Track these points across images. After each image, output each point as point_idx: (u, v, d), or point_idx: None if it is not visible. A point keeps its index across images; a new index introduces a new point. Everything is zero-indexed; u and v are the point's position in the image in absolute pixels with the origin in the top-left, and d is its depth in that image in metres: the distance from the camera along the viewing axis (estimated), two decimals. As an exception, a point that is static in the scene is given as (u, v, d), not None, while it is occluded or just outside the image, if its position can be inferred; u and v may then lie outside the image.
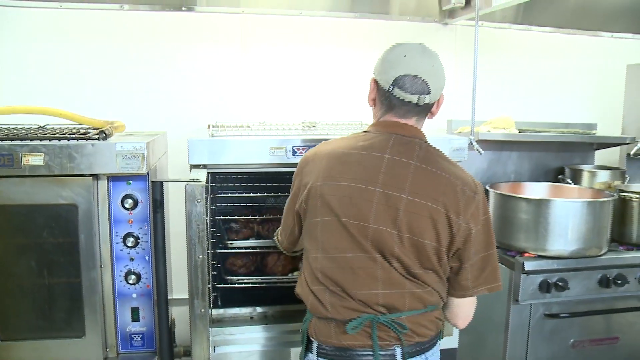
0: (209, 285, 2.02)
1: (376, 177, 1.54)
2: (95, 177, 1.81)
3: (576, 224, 2.46)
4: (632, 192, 2.76)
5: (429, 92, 1.57)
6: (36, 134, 1.86)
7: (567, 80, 3.55)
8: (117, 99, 2.85)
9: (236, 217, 2.36)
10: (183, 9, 2.87)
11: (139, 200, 1.88)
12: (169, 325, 1.95)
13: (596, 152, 3.44)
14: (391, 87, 1.56)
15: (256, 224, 2.32)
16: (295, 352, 2.11)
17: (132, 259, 1.91)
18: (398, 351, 1.57)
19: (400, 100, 1.57)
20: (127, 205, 1.87)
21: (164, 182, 1.82)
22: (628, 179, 3.17)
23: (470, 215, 1.56)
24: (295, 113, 3.03)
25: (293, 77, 3.08)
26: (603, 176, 3.12)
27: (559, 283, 2.48)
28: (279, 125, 2.45)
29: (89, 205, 1.80)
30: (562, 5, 3.43)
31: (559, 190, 2.92)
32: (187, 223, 1.67)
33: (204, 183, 1.69)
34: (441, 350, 2.21)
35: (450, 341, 2.20)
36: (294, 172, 1.73)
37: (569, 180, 3.17)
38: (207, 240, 1.74)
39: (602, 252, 2.56)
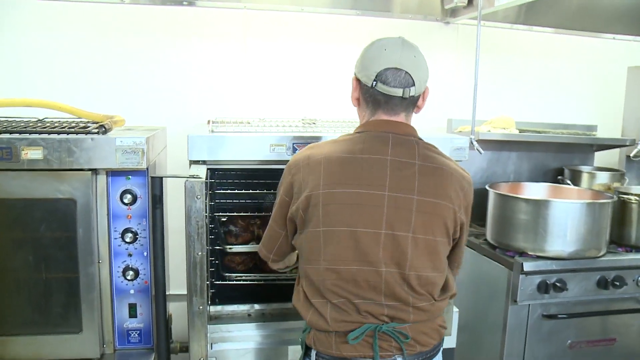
0: (208, 282, 2.01)
1: (382, 180, 1.50)
2: (94, 171, 1.79)
3: (575, 225, 2.46)
4: (632, 194, 2.76)
5: (413, 84, 1.54)
6: (35, 127, 1.84)
7: (568, 81, 3.54)
8: (116, 93, 2.84)
9: (235, 216, 2.34)
10: (184, 3, 2.85)
11: (138, 196, 1.87)
12: (166, 322, 1.94)
13: (596, 153, 3.44)
14: (374, 82, 1.53)
15: (256, 227, 2.28)
16: (293, 349, 2.10)
17: (130, 255, 1.90)
18: None
19: (385, 95, 1.54)
20: (126, 201, 1.85)
21: (163, 178, 1.80)
22: (627, 180, 3.17)
23: (465, 207, 1.61)
24: (295, 110, 3.01)
25: (294, 74, 3.07)
26: (602, 177, 3.12)
27: (558, 284, 2.48)
28: (279, 122, 2.44)
29: (87, 200, 1.78)
30: (564, 6, 3.42)
31: (558, 191, 2.92)
32: (187, 219, 1.66)
33: (204, 179, 1.68)
34: (439, 350, 2.24)
35: (448, 341, 2.18)
36: None
37: (568, 181, 3.17)
38: (206, 237, 1.72)
39: (601, 253, 2.56)
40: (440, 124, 3.28)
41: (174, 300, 2.62)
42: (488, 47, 3.25)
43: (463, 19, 3.21)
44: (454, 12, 3.22)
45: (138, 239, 1.89)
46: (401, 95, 1.53)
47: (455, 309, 2.16)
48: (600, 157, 3.47)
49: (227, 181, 2.51)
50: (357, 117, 1.71)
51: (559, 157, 3.36)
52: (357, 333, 1.51)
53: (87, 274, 1.81)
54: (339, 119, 2.66)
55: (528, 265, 2.44)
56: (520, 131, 3.09)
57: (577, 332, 2.63)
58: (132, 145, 1.74)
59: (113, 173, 1.83)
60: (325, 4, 3.06)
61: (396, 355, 1.54)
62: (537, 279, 2.47)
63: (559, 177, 3.27)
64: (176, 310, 2.58)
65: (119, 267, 1.89)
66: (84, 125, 1.93)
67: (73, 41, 2.78)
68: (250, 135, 1.97)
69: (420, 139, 1.62)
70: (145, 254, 1.91)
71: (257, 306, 2.22)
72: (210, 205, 2.28)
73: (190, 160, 1.93)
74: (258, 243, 2.16)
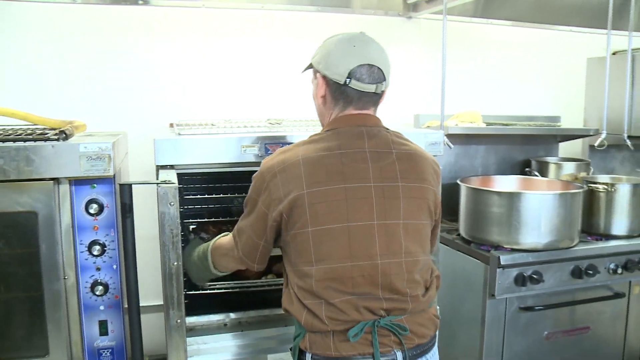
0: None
1: (366, 172, 1.49)
2: (56, 181, 1.68)
3: (549, 216, 2.46)
4: (599, 183, 2.79)
5: (384, 79, 1.55)
6: (-13, 136, 1.71)
7: (530, 74, 3.58)
8: (71, 98, 2.69)
9: (206, 222, 2.25)
10: (139, 2, 2.73)
11: (105, 205, 1.76)
12: (141, 338, 1.83)
13: (560, 144, 3.48)
14: (347, 80, 1.51)
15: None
16: (273, 358, 2.03)
17: (98, 269, 1.78)
18: (399, 355, 1.50)
19: (359, 92, 1.53)
20: (91, 211, 1.74)
21: (132, 185, 1.69)
22: (592, 170, 3.21)
23: (439, 187, 1.66)
24: (258, 109, 2.94)
25: (255, 73, 2.99)
26: (569, 168, 3.15)
27: (534, 276, 2.47)
28: (245, 123, 2.36)
29: (49, 212, 1.67)
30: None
31: (528, 183, 2.93)
32: (160, 227, 1.57)
33: (177, 184, 1.59)
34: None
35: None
36: None
37: (536, 173, 3.19)
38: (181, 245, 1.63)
39: (574, 243, 2.58)
40: (406, 119, 3.26)
41: (143, 312, 2.50)
42: (450, 41, 3.22)
43: (425, 14, 3.19)
44: (415, 7, 3.21)
45: (106, 251, 1.78)
46: (374, 91, 1.53)
47: (437, 307, 2.12)
48: (564, 148, 3.51)
49: (194, 186, 2.40)
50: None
51: (525, 149, 3.38)
52: (357, 329, 1.46)
53: (52, 291, 1.69)
54: (304, 118, 2.60)
55: (505, 259, 2.43)
56: (487, 124, 3.08)
57: (553, 323, 2.64)
58: (98, 151, 1.64)
59: (77, 182, 1.72)
60: (285, 1, 2.99)
61: (395, 350, 1.50)
62: (514, 271, 2.46)
63: (527, 169, 3.28)
64: (145, 322, 2.46)
65: (86, 282, 1.78)
66: (41, 131, 1.80)
67: (22, 43, 2.62)
68: (220, 137, 1.89)
69: (388, 128, 1.63)
70: (114, 266, 1.80)
71: (233, 315, 2.13)
72: (180, 212, 2.18)
73: (157, 166, 1.83)
74: None
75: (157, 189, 1.53)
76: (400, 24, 3.25)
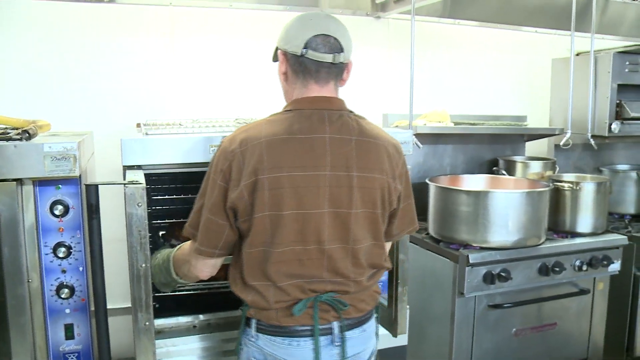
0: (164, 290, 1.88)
1: (323, 160, 1.50)
2: (19, 181, 1.62)
3: (516, 215, 2.50)
4: (565, 182, 2.84)
5: (342, 50, 1.54)
6: (-55, 137, 1.65)
7: (497, 74, 3.63)
8: (34, 97, 2.63)
9: (175, 223, 2.22)
10: (105, 0, 2.68)
11: (70, 206, 1.71)
12: (109, 341, 1.79)
13: (526, 143, 3.53)
14: (304, 50, 1.51)
15: None
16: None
17: (64, 271, 1.74)
18: (336, 325, 1.58)
19: (316, 62, 1.53)
20: (56, 212, 1.69)
21: (99, 186, 1.66)
22: (558, 168, 3.27)
23: (398, 174, 1.64)
24: (226, 109, 2.91)
25: (223, 72, 2.96)
26: (535, 167, 3.20)
27: (502, 274, 2.50)
28: (212, 122, 2.33)
29: (12, 214, 1.61)
30: (486, 0, 3.49)
31: (496, 182, 2.97)
32: (128, 229, 1.53)
33: (145, 185, 1.56)
34: (392, 349, 2.21)
35: (400, 339, 2.16)
36: None
37: (504, 172, 3.23)
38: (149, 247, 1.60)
39: (541, 241, 2.62)
40: (374, 118, 3.25)
41: (111, 315, 2.45)
42: (418, 41, 3.24)
43: (393, 14, 3.21)
44: (384, 7, 3.22)
45: (72, 253, 1.74)
46: (331, 61, 1.53)
47: (407, 306, 2.12)
48: (530, 147, 3.56)
49: (162, 186, 2.37)
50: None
51: (492, 148, 3.42)
52: (301, 306, 1.53)
53: (15, 295, 1.64)
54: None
55: (473, 257, 2.45)
56: (455, 124, 3.11)
57: (521, 320, 2.68)
58: (63, 151, 1.59)
59: (41, 182, 1.67)
60: (253, 0, 2.97)
61: (333, 321, 1.58)
62: (483, 270, 2.49)
63: (494, 167, 3.33)
64: (113, 325, 2.41)
65: (52, 285, 1.73)
66: (2, 131, 1.75)
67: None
68: (188, 136, 1.86)
69: (352, 111, 1.62)
70: (80, 269, 1.75)
71: (202, 317, 2.10)
72: (148, 212, 2.14)
73: (124, 166, 1.79)
74: None
75: (125, 190, 1.50)
76: (368, 24, 3.26)
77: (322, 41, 1.51)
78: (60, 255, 1.72)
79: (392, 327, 2.09)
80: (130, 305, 1.61)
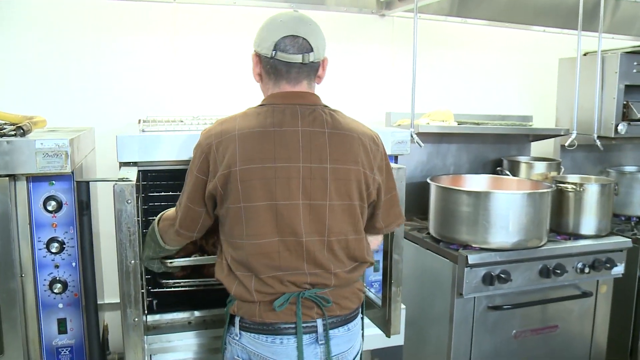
0: (143, 291, 1.89)
1: (296, 152, 1.53)
2: (13, 177, 1.64)
3: (517, 216, 2.48)
4: (568, 183, 2.81)
5: (311, 50, 1.56)
6: (-59, 132, 1.67)
7: (503, 73, 3.59)
8: (38, 92, 2.65)
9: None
10: (109, -3, 2.70)
11: (64, 202, 1.73)
12: (99, 336, 1.81)
13: (532, 143, 3.50)
14: (273, 52, 1.55)
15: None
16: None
17: (57, 266, 1.75)
18: (319, 322, 1.59)
19: (286, 63, 1.56)
20: (50, 208, 1.70)
21: (90, 182, 1.67)
22: (563, 169, 3.24)
23: (377, 167, 1.65)
24: (229, 106, 2.90)
25: (227, 70, 2.96)
26: (540, 167, 3.17)
27: (502, 275, 2.48)
28: (214, 120, 2.33)
29: (5, 209, 1.62)
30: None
31: (498, 182, 2.95)
32: (117, 225, 1.53)
33: (134, 182, 1.56)
34: (388, 348, 2.20)
35: (395, 339, 2.15)
36: None
37: (507, 172, 3.20)
38: (139, 244, 1.61)
39: (542, 242, 2.59)
40: (378, 117, 3.25)
41: (110, 310, 2.49)
42: (424, 39, 3.23)
43: (398, 12, 3.19)
44: (388, 5, 3.19)
45: (65, 248, 1.75)
46: (301, 61, 1.55)
47: (403, 306, 2.11)
48: (536, 147, 3.53)
49: (161, 183, 2.38)
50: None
51: (497, 148, 3.39)
52: (282, 300, 1.55)
53: (7, 289, 1.65)
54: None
55: (473, 258, 2.43)
56: (459, 123, 3.09)
57: (521, 322, 2.66)
58: (54, 147, 1.60)
59: (34, 179, 1.69)
60: (258, -3, 2.97)
61: (317, 319, 1.59)
62: (482, 271, 2.47)
63: (498, 168, 3.30)
64: (114, 320, 2.45)
65: (45, 280, 1.75)
66: (-1, 127, 1.77)
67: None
68: (183, 133, 1.87)
69: (326, 106, 1.64)
70: (74, 264, 1.77)
71: (197, 313, 2.10)
72: (144, 209, 2.16)
73: (120, 162, 1.81)
74: (202, 254, 2.04)
75: (114, 187, 1.51)
76: (373, 22, 3.24)
77: (291, 42, 1.54)
78: (54, 250, 1.73)
79: (385, 327, 2.08)
80: (121, 300, 1.62)
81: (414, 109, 2.74)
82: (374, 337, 2.11)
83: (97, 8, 2.69)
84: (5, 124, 1.86)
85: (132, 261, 1.56)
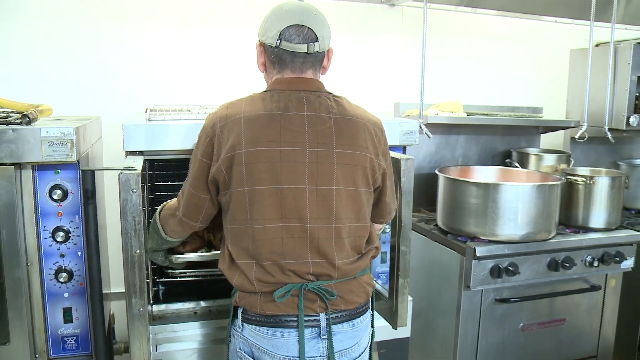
0: (148, 280, 1.88)
1: (302, 136, 1.51)
2: (18, 166, 1.63)
3: (526, 208, 2.45)
4: (578, 175, 2.78)
5: (316, 40, 1.55)
6: (-53, 119, 1.67)
7: (513, 64, 3.55)
8: (44, 81, 2.64)
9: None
10: (116, -14, 2.68)
11: (69, 191, 1.72)
12: (104, 325, 1.80)
13: (541, 135, 3.46)
14: (278, 41, 1.53)
15: (206, 231, 2.06)
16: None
17: (62, 255, 1.75)
18: (322, 317, 1.55)
19: (291, 52, 1.55)
20: (55, 197, 1.70)
21: (95, 171, 1.66)
22: (573, 162, 3.20)
23: (382, 152, 1.64)
24: (236, 96, 2.88)
25: (234, 59, 2.94)
26: (549, 159, 3.14)
27: (510, 268, 2.46)
28: (221, 109, 2.32)
29: (11, 198, 1.62)
30: (506, -11, 3.42)
31: (507, 174, 2.92)
32: (122, 215, 1.52)
33: (140, 171, 1.55)
34: (394, 340, 2.19)
35: (402, 331, 2.14)
36: None
37: (517, 164, 3.18)
38: (144, 233, 1.60)
39: (551, 235, 2.57)
40: (387, 107, 3.22)
41: (116, 299, 2.48)
42: (433, 29, 3.19)
43: (408, 1, 3.15)
44: (398, -6, 3.16)
45: (71, 237, 1.74)
46: (306, 51, 1.54)
47: (410, 298, 2.10)
48: (546, 139, 3.50)
49: (167, 172, 2.37)
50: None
51: (506, 140, 3.36)
52: (283, 291, 1.52)
53: (13, 278, 1.65)
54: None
55: (480, 250, 2.41)
56: (468, 114, 3.06)
57: (529, 315, 2.64)
58: (60, 136, 1.59)
59: (40, 167, 1.68)
60: (266, -14, 2.94)
61: (320, 312, 1.55)
62: (490, 263, 2.45)
63: (507, 159, 3.27)
64: (120, 309, 2.44)
65: (50, 269, 1.74)
66: (4, 115, 1.76)
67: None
68: (190, 122, 1.85)
69: (330, 92, 1.63)
70: (79, 253, 1.76)
71: (203, 303, 2.10)
72: (150, 198, 2.15)
73: (126, 151, 1.80)
74: (210, 250, 2.03)
75: (119, 176, 1.50)
76: (382, 12, 3.21)
77: (296, 31, 1.53)
78: (59, 239, 1.73)
79: (392, 319, 2.07)
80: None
81: (423, 100, 2.72)
82: (380, 328, 2.10)
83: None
84: (11, 112, 1.85)
85: (137, 251, 1.54)
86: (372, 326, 1.76)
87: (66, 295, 1.77)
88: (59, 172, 1.70)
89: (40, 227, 1.72)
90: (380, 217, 1.74)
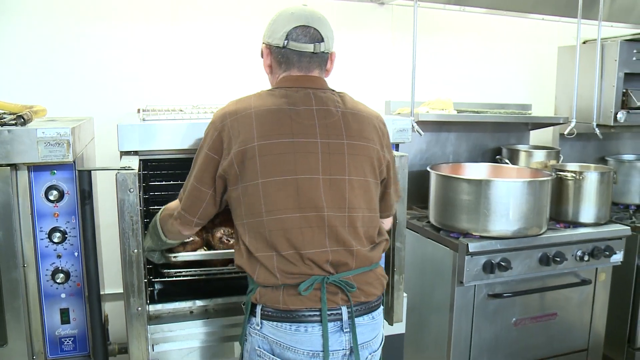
0: (145, 280, 1.88)
1: (312, 128, 1.55)
2: (14, 166, 1.63)
3: (517, 204, 2.48)
4: (568, 171, 2.82)
5: (322, 40, 1.60)
6: (-59, 121, 1.66)
7: (502, 61, 3.58)
8: (36, 81, 2.62)
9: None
10: (107, -15, 2.67)
11: (65, 192, 1.72)
12: (102, 325, 1.80)
13: (531, 132, 3.50)
14: (285, 42, 1.58)
15: (204, 231, 2.04)
16: (239, 346, 2.01)
17: (59, 256, 1.75)
18: (344, 310, 1.56)
19: (298, 52, 1.59)
20: (51, 198, 1.70)
21: (92, 171, 1.66)
22: (562, 158, 3.24)
23: (386, 145, 1.70)
24: (229, 94, 2.88)
25: (227, 58, 2.94)
26: (539, 156, 3.17)
27: (502, 263, 2.49)
28: (213, 108, 2.32)
29: (7, 199, 1.62)
30: (493, -13, 3.45)
31: (498, 171, 2.95)
32: (120, 214, 1.53)
33: (137, 171, 1.56)
34: (389, 336, 2.20)
35: (397, 327, 2.16)
36: None
37: (507, 160, 3.21)
38: (141, 233, 1.60)
39: (542, 230, 2.60)
40: (378, 106, 3.24)
41: (109, 300, 2.48)
42: (423, 28, 3.21)
43: (397, 0, 3.17)
44: (388, -7, 3.18)
45: (67, 238, 1.75)
46: (312, 50, 1.59)
47: (404, 294, 2.12)
48: (535, 136, 3.53)
49: (161, 172, 2.37)
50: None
51: (496, 137, 3.40)
52: (307, 284, 1.51)
53: (10, 279, 1.65)
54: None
55: (473, 246, 2.44)
56: (459, 112, 3.09)
57: (521, 310, 2.67)
58: (56, 136, 1.60)
59: (35, 168, 1.68)
60: (256, -16, 2.94)
61: (341, 306, 1.56)
62: (482, 259, 2.47)
63: (497, 156, 3.30)
64: (113, 310, 2.44)
65: (47, 269, 1.74)
66: (-2, 116, 1.76)
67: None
68: (184, 122, 1.86)
69: (334, 90, 1.68)
70: (76, 254, 1.77)
71: (199, 302, 2.10)
72: (145, 198, 2.15)
73: (121, 152, 1.80)
74: (209, 249, 2.04)
75: (116, 175, 1.50)
76: (372, 10, 3.22)
77: (302, 32, 1.58)
78: (56, 240, 1.73)
79: (388, 315, 2.09)
80: (125, 290, 1.62)
81: (414, 98, 2.74)
82: (375, 325, 2.12)
83: (95, -4, 2.67)
84: (5, 113, 1.84)
85: (135, 250, 1.56)
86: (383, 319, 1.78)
87: (63, 296, 1.77)
88: (55, 173, 1.71)
89: (37, 228, 1.72)
90: (386, 211, 1.78)
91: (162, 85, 2.84)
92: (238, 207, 1.57)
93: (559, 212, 2.84)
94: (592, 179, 2.78)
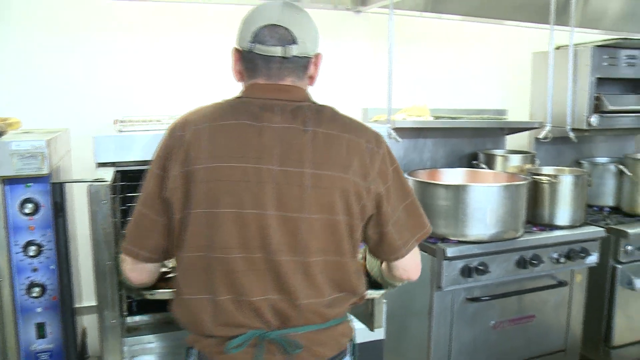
0: (122, 292, 1.87)
1: (270, 151, 1.29)
2: (-12, 180, 1.62)
3: (494, 208, 2.51)
4: (543, 175, 2.86)
5: (294, 42, 1.32)
6: None
7: (478, 68, 3.63)
8: (10, 92, 2.61)
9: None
10: (81, -5, 2.66)
11: (41, 204, 1.71)
12: (76, 339, 1.79)
13: (507, 137, 3.54)
14: (251, 44, 1.32)
15: None
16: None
17: (35, 270, 1.74)
18: None
19: (265, 57, 1.33)
20: (26, 211, 1.69)
21: (65, 184, 1.66)
22: (538, 162, 3.28)
23: (377, 173, 1.36)
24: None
25: (203, 69, 2.94)
26: (515, 160, 3.21)
27: (480, 267, 2.52)
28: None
29: (-20, 212, 1.61)
30: (469, -5, 3.50)
31: (475, 175, 2.98)
32: (93, 226, 1.53)
33: (110, 182, 1.55)
34: (368, 343, 2.21)
35: (377, 333, 2.17)
36: None
37: (483, 165, 3.24)
38: (115, 245, 1.60)
39: (519, 234, 2.63)
40: (355, 113, 3.25)
41: (88, 313, 2.46)
42: (400, 35, 3.24)
43: (373, 8, 3.19)
44: (364, 1, 3.20)
45: (43, 251, 1.74)
46: (281, 54, 1.32)
47: (384, 300, 2.13)
48: (511, 140, 3.58)
49: (139, 183, 2.35)
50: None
51: (473, 142, 3.43)
52: (239, 341, 1.29)
53: (-16, 294, 1.64)
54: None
55: (451, 251, 2.46)
56: (435, 118, 3.12)
57: (499, 313, 2.70)
58: (31, 149, 1.59)
59: (10, 181, 1.67)
60: (236, -5, 2.95)
61: None
62: (460, 263, 2.50)
63: (474, 161, 3.34)
64: (92, 323, 2.42)
65: (22, 283, 1.73)
66: (-28, 129, 1.75)
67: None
68: (161, 133, 1.84)
69: (315, 102, 1.41)
70: (52, 267, 1.76)
71: (179, 313, 2.09)
72: (122, 209, 2.14)
73: (97, 163, 1.80)
74: None
75: (89, 188, 1.50)
76: (349, 18, 3.25)
77: (270, 32, 1.32)
78: (31, 253, 1.72)
79: (369, 321, 2.10)
80: (100, 303, 1.61)
81: (391, 105, 2.76)
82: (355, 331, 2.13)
83: (71, 7, 2.65)
84: (-22, 126, 1.83)
85: (108, 262, 1.55)
86: None
87: (39, 310, 1.76)
88: (30, 186, 1.70)
89: (12, 242, 1.70)
90: (392, 254, 1.47)
91: (139, 96, 2.83)
92: (178, 238, 1.34)
93: (535, 215, 2.87)
94: (567, 182, 2.82)
